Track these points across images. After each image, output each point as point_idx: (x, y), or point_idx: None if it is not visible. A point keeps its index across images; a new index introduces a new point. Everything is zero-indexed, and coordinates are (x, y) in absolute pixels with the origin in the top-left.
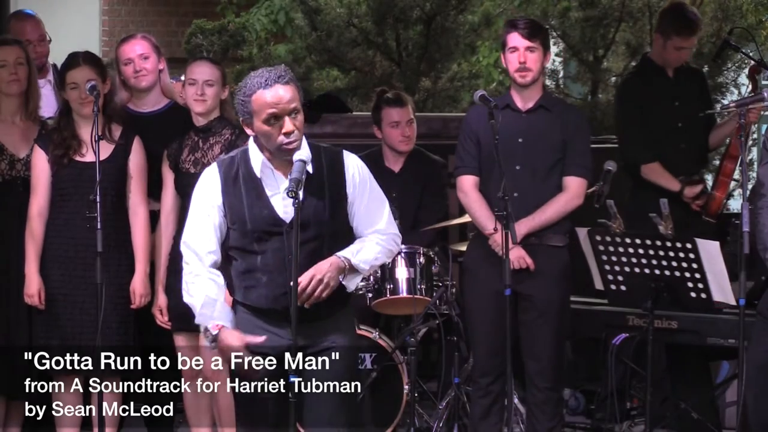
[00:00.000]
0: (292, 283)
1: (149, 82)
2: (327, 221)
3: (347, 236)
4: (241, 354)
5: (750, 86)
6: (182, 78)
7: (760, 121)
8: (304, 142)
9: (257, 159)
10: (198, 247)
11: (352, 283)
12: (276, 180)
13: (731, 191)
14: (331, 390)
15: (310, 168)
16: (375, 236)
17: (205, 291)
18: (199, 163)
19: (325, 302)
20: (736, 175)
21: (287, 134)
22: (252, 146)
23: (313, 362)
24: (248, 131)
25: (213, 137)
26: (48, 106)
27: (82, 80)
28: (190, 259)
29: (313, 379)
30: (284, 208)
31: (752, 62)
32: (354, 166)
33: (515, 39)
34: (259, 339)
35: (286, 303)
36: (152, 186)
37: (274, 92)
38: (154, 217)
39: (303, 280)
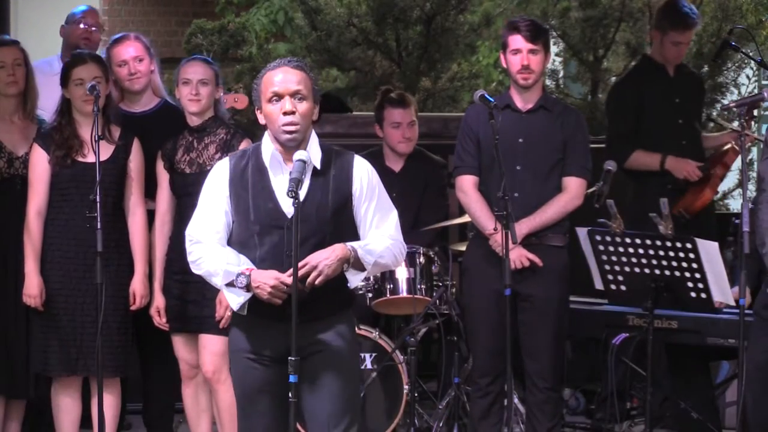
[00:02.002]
0: (291, 282)
1: (143, 84)
2: (328, 219)
3: (354, 238)
4: (277, 284)
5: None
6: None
7: (760, 120)
8: (315, 141)
9: (268, 150)
10: (202, 233)
11: (355, 279)
12: (284, 173)
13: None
14: (327, 392)
15: (317, 164)
16: (382, 238)
17: (220, 253)
18: (194, 163)
19: (323, 302)
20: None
21: (285, 114)
22: (265, 139)
23: (307, 364)
24: (260, 118)
25: (208, 137)
26: None
27: (88, 77)
28: (193, 248)
29: (309, 381)
30: (287, 202)
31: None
32: (363, 170)
33: (518, 41)
34: (287, 275)
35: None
36: (147, 186)
37: (279, 72)
38: (149, 217)
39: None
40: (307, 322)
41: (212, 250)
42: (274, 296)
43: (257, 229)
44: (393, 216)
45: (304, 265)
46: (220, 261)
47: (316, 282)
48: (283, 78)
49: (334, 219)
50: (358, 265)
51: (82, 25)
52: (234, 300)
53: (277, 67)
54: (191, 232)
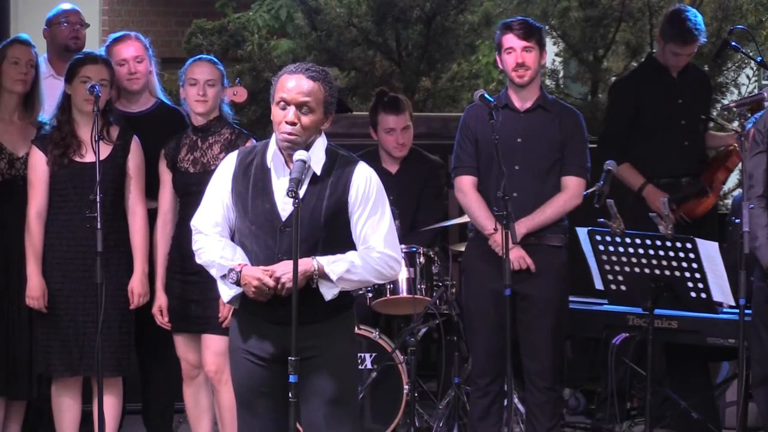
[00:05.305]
0: (272, 285)
1: (141, 84)
2: (321, 225)
3: (350, 247)
4: (259, 285)
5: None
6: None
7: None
8: (320, 146)
9: (272, 150)
10: (203, 225)
11: (328, 293)
12: (285, 175)
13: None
14: (323, 396)
15: (318, 170)
16: (364, 251)
17: (218, 245)
18: (197, 162)
19: (319, 306)
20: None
21: (286, 123)
22: (273, 138)
23: (303, 367)
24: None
25: (212, 137)
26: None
27: (95, 77)
28: (197, 237)
29: (305, 385)
30: (284, 205)
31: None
32: (363, 177)
33: (511, 40)
34: (269, 277)
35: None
36: (145, 185)
37: (293, 79)
38: (150, 216)
39: (266, 273)
40: (303, 325)
41: (212, 242)
42: (258, 295)
43: (253, 228)
44: (385, 229)
45: (269, 273)
46: (216, 253)
47: (282, 294)
48: (294, 86)
49: (327, 225)
50: (328, 279)
51: (65, 25)
52: (225, 292)
53: (294, 72)
54: (194, 222)
